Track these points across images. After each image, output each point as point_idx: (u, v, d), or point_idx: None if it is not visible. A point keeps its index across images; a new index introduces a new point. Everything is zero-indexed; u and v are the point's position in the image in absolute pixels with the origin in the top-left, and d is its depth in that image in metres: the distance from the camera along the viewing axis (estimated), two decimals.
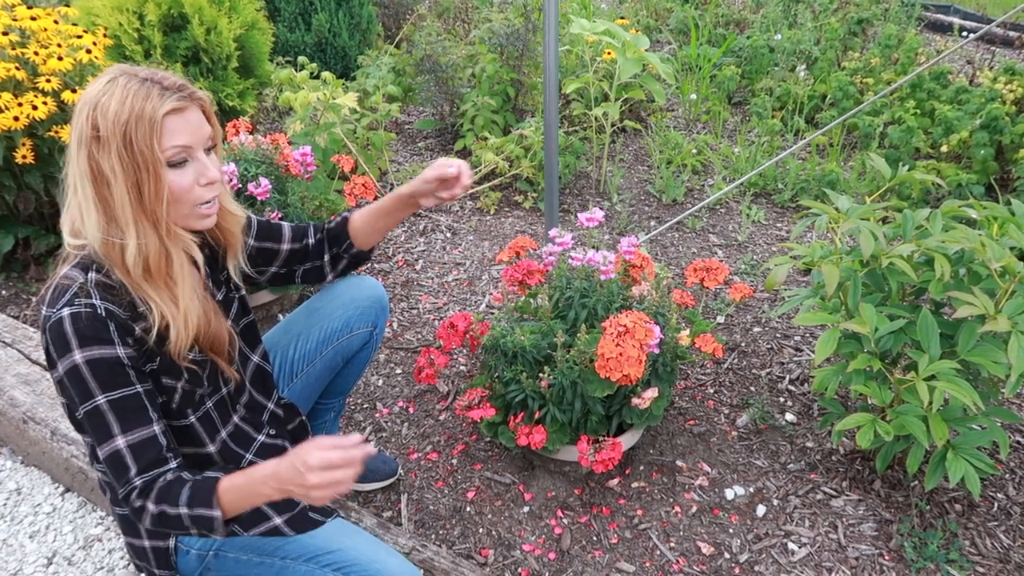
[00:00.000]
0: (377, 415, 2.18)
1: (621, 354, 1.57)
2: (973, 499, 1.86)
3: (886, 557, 1.74)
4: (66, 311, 1.13)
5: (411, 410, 2.20)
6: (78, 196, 1.16)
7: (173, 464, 1.19)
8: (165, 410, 1.28)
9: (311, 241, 1.54)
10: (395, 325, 2.56)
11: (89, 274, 1.17)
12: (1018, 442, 2.05)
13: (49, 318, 1.14)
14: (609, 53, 3.32)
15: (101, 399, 1.14)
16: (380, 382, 2.31)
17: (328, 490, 1.07)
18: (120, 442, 1.15)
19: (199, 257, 1.25)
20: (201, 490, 1.14)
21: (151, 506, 1.14)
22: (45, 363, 1.36)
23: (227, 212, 1.34)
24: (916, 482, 1.90)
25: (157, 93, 1.13)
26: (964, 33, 5.13)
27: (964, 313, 1.50)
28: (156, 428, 1.18)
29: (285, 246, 1.53)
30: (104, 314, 1.14)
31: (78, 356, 1.12)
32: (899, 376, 1.63)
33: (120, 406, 1.15)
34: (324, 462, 1.05)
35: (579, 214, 1.84)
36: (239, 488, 1.14)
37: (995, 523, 1.82)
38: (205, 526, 1.14)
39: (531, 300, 1.92)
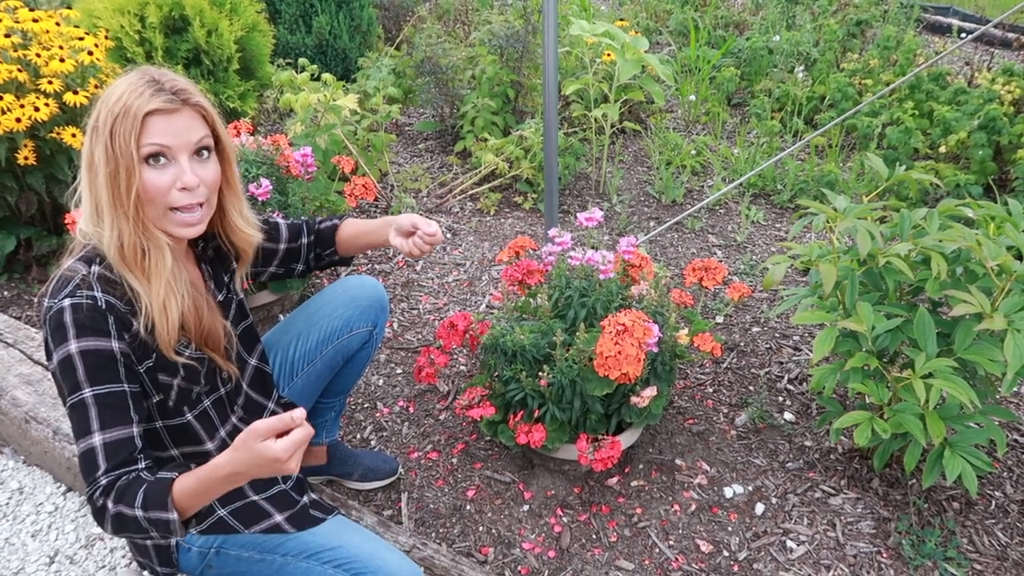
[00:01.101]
0: (378, 414, 2.19)
1: (620, 352, 1.58)
2: (971, 497, 1.87)
3: (884, 555, 1.75)
4: (67, 302, 1.15)
5: (411, 409, 2.21)
6: (82, 184, 1.20)
7: (141, 466, 1.15)
8: (162, 408, 1.29)
9: (304, 240, 1.59)
10: (395, 325, 2.57)
11: (92, 267, 1.19)
12: (1016, 440, 2.06)
13: (50, 308, 1.16)
14: (609, 55, 3.33)
15: (87, 392, 1.14)
16: (381, 382, 2.32)
17: (299, 462, 1.06)
18: (96, 439, 1.13)
19: (169, 259, 1.22)
20: (155, 492, 1.10)
21: (111, 506, 1.10)
22: (46, 361, 1.37)
23: (239, 231, 1.37)
24: (914, 480, 1.91)
25: (150, 92, 1.15)
26: (962, 35, 5.14)
27: (961, 311, 1.51)
28: (134, 430, 1.16)
29: (283, 245, 1.57)
30: (104, 306, 1.16)
31: (73, 345, 1.14)
32: (896, 374, 1.63)
33: (104, 402, 1.14)
34: (292, 446, 1.03)
35: (578, 214, 1.85)
36: (193, 490, 1.10)
37: (993, 521, 1.83)
38: (162, 529, 1.10)
39: (531, 300, 1.93)
